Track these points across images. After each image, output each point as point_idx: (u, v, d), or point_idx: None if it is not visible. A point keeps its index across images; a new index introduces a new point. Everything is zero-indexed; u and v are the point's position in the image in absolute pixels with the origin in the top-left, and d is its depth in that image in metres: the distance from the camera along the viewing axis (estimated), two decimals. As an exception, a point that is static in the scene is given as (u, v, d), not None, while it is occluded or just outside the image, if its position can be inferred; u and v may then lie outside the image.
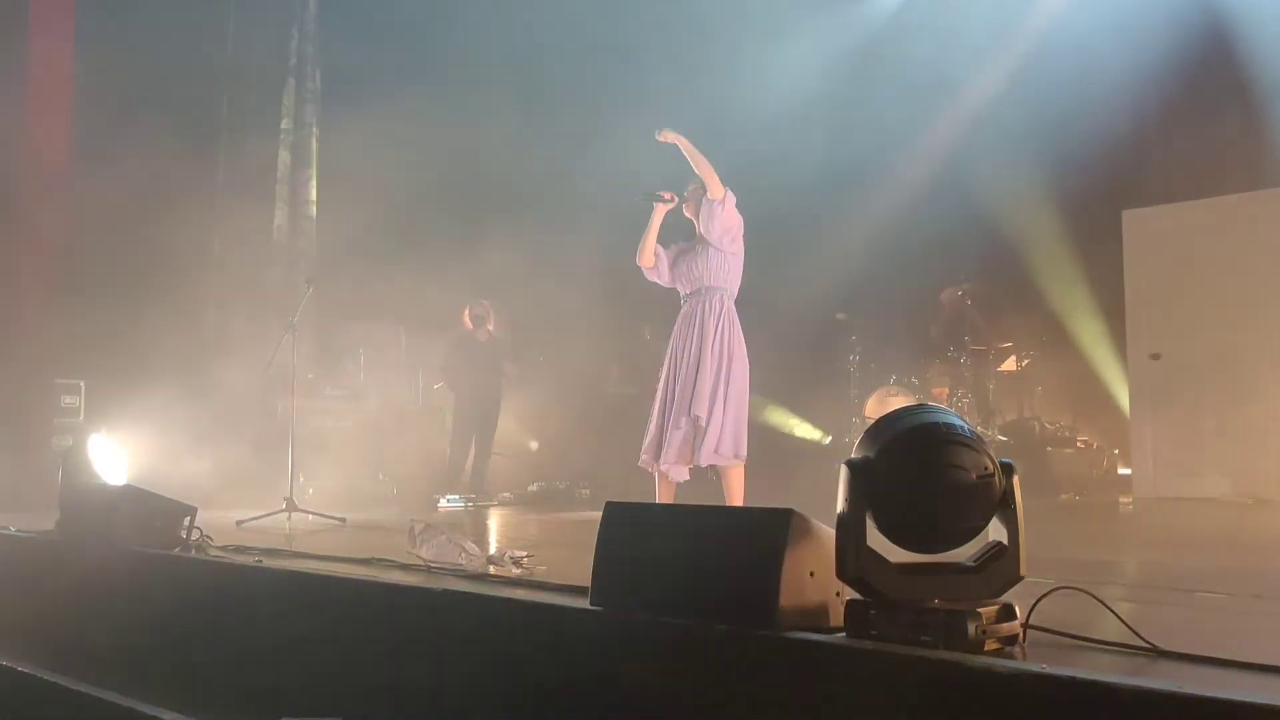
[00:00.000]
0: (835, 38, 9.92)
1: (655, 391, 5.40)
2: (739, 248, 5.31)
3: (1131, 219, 8.99)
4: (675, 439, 5.13)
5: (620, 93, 9.41)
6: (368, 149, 8.88)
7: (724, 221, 5.22)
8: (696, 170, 5.24)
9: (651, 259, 5.39)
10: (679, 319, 5.38)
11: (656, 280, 5.48)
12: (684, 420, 5.12)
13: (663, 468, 5.21)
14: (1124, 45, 8.54)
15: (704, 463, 5.13)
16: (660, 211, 5.35)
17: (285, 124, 10.37)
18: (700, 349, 5.17)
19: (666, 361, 5.36)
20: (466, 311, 9.31)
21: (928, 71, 9.23)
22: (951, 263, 9.64)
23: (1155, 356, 8.67)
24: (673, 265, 5.40)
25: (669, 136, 5.23)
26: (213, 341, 9.54)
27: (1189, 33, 8.43)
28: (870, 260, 9.78)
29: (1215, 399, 8.34)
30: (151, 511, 4.76)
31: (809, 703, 2.40)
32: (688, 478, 5.26)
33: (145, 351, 8.79)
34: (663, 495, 5.28)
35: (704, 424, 5.08)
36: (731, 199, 5.25)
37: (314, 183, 10.26)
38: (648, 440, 5.30)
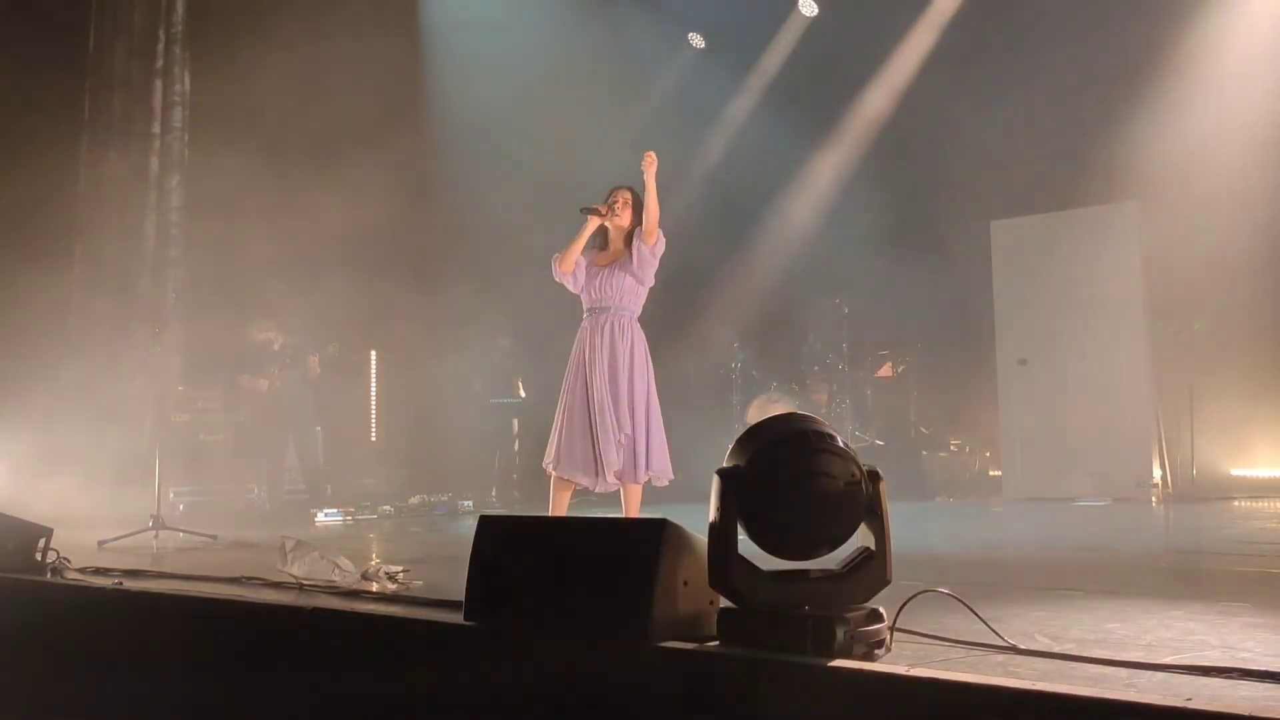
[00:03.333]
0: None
1: (562, 400, 5.31)
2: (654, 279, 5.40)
3: (999, 229, 9.33)
4: (610, 454, 5.11)
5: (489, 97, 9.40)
6: (237, 154, 8.63)
7: (653, 263, 5.31)
8: (649, 206, 5.22)
9: (572, 266, 5.36)
10: (586, 331, 5.33)
11: (566, 284, 5.42)
12: (612, 435, 5.11)
13: (584, 481, 5.19)
14: (989, 61, 8.87)
15: (640, 480, 5.16)
16: (593, 224, 5.35)
17: (154, 128, 9.99)
18: (615, 368, 5.19)
19: (577, 373, 5.29)
20: (315, 359, 9.26)
21: (808, 95, 9.46)
22: (830, 272, 9.85)
23: (1023, 362, 9.01)
24: (586, 276, 5.39)
25: (651, 165, 5.17)
26: (75, 354, 9.12)
27: (1052, 51, 8.81)
28: (753, 271, 9.93)
29: (1077, 402, 8.71)
30: (3, 533, 4.53)
31: (683, 711, 2.41)
32: (611, 490, 5.26)
33: (2, 365, 8.37)
34: (558, 505, 5.25)
35: (641, 443, 5.14)
36: (663, 245, 5.31)
37: (182, 189, 9.89)
38: (559, 449, 5.22)
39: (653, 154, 5.17)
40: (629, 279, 5.30)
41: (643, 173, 5.18)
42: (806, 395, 9.93)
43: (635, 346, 5.28)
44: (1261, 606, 3.10)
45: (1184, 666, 2.09)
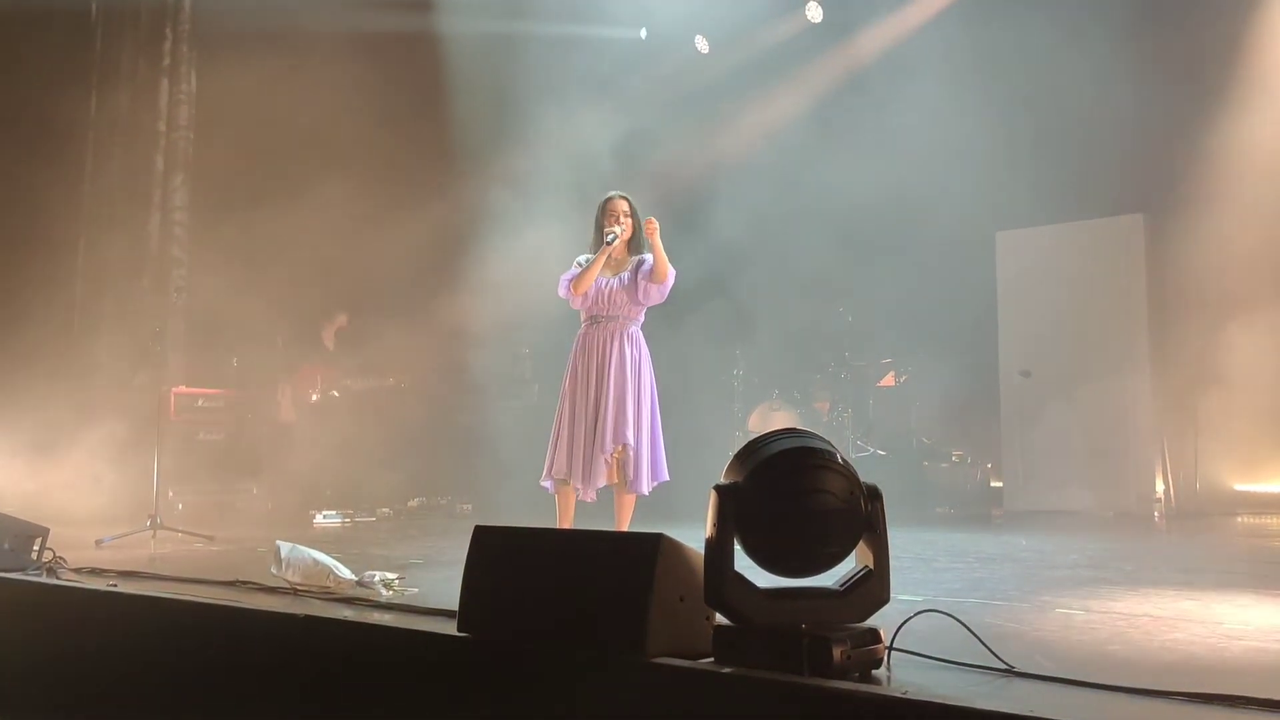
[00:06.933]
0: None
1: (560, 409, 5.27)
2: None
3: (1004, 240, 9.30)
4: (599, 463, 5.07)
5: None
6: (243, 153, 8.63)
7: (659, 299, 5.28)
8: (659, 265, 5.18)
9: (588, 289, 5.28)
10: (584, 340, 5.29)
11: (573, 304, 5.35)
12: (609, 444, 5.06)
13: (579, 487, 5.14)
14: (997, 71, 8.84)
15: (645, 490, 5.12)
16: (607, 251, 5.25)
17: (160, 126, 9.98)
18: (621, 376, 5.14)
19: (572, 382, 5.25)
20: (330, 332, 9.35)
21: (813, 100, 9.45)
22: (833, 280, 9.81)
23: (1025, 373, 8.98)
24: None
25: (653, 231, 5.17)
26: (76, 352, 9.11)
27: (1059, 62, 8.78)
28: (754, 276, 9.90)
29: (1080, 414, 8.68)
30: (0, 532, 4.52)
31: (677, 729, 2.38)
32: (595, 499, 5.23)
33: (3, 362, 8.37)
34: (565, 517, 5.21)
35: (633, 451, 5.07)
36: (672, 279, 5.26)
37: (187, 187, 9.88)
38: (555, 461, 5.18)
39: (654, 220, 5.18)
40: (631, 294, 5.26)
41: (648, 236, 5.20)
42: (808, 404, 9.89)
43: (642, 357, 5.27)
44: (1266, 631, 3.07)
45: (1186, 693, 2.06)
